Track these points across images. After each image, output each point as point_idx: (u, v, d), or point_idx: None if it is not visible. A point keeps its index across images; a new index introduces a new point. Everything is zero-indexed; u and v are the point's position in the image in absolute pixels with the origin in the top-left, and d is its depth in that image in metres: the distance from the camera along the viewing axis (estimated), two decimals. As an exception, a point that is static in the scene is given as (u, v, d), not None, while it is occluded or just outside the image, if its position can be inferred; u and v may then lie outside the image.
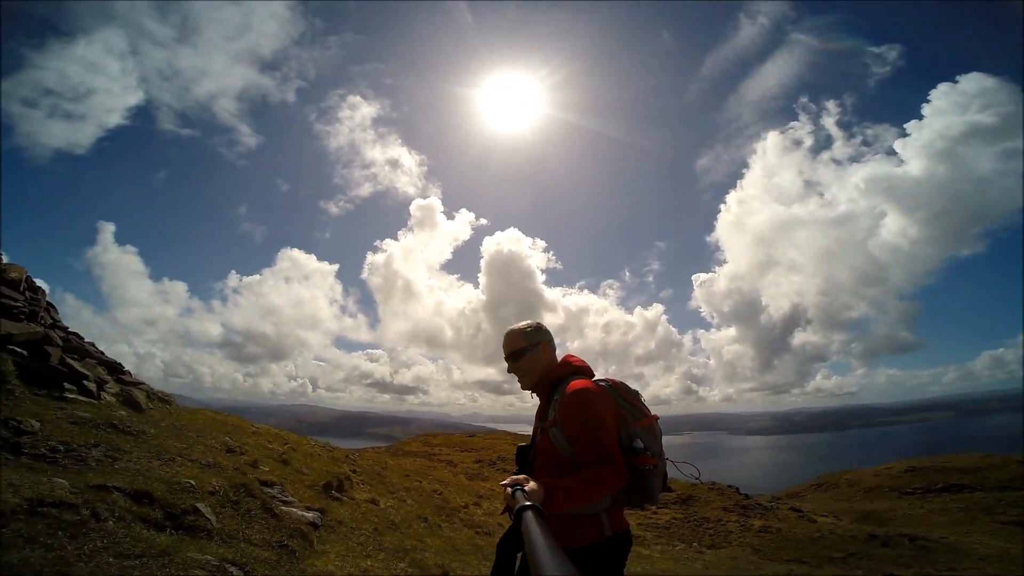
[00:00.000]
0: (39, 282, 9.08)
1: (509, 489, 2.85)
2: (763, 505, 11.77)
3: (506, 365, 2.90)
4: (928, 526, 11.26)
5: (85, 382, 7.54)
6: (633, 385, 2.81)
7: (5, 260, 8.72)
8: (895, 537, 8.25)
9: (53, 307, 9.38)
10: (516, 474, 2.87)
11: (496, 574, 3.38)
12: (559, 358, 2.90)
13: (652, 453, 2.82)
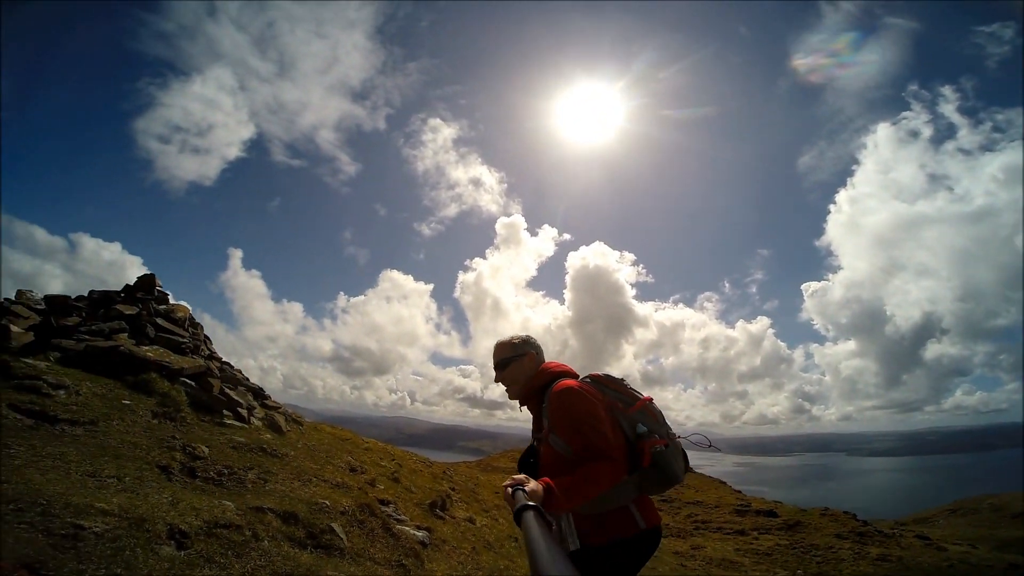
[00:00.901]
0: (186, 304, 10.73)
1: (509, 489, 2.88)
2: (883, 532, 10.65)
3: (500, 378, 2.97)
4: None
5: (239, 409, 8.61)
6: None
7: (172, 300, 10.29)
8: None
9: (208, 339, 10.75)
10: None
11: None
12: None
13: (659, 434, 2.82)
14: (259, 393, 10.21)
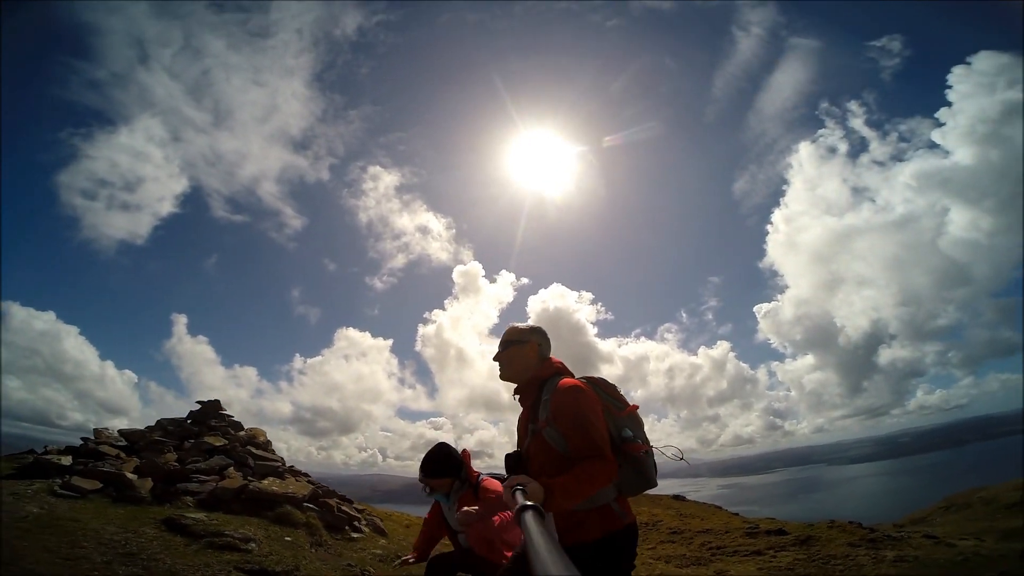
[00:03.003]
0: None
1: (509, 490, 2.93)
2: (892, 536, 10.91)
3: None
4: None
5: (355, 523, 8.78)
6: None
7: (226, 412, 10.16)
8: None
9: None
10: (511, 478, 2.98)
11: None
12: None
13: (641, 440, 2.99)
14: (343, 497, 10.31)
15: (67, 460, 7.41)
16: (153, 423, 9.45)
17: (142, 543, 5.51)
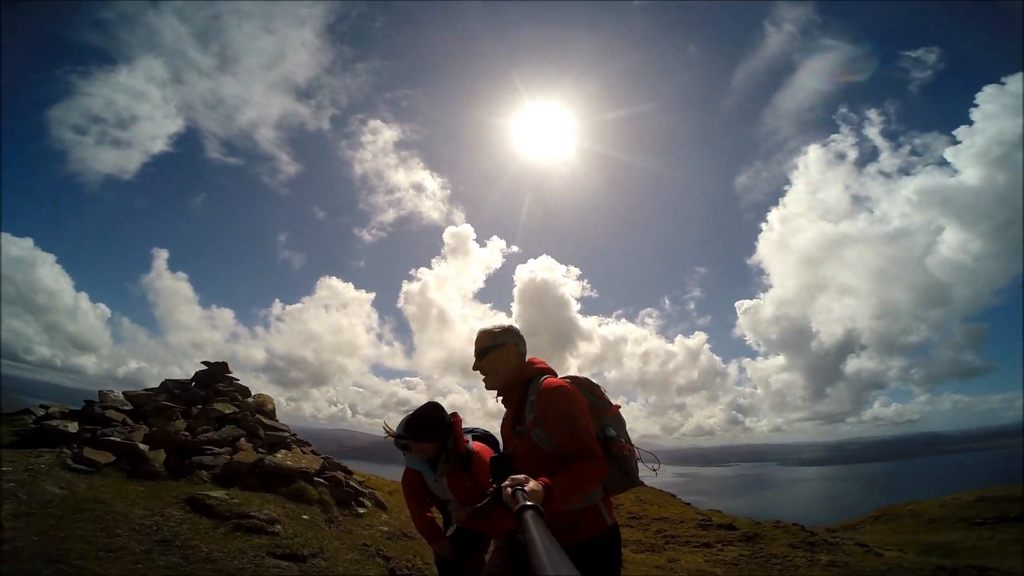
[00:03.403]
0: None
1: (509, 490, 2.92)
2: (828, 541, 12.01)
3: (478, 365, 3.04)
4: (1000, 557, 11.14)
5: (361, 498, 8.61)
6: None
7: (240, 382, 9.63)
8: (963, 569, 8.45)
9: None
10: (496, 483, 2.95)
11: None
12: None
13: (624, 439, 2.98)
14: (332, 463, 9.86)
15: (73, 426, 7.07)
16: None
17: (173, 527, 5.45)
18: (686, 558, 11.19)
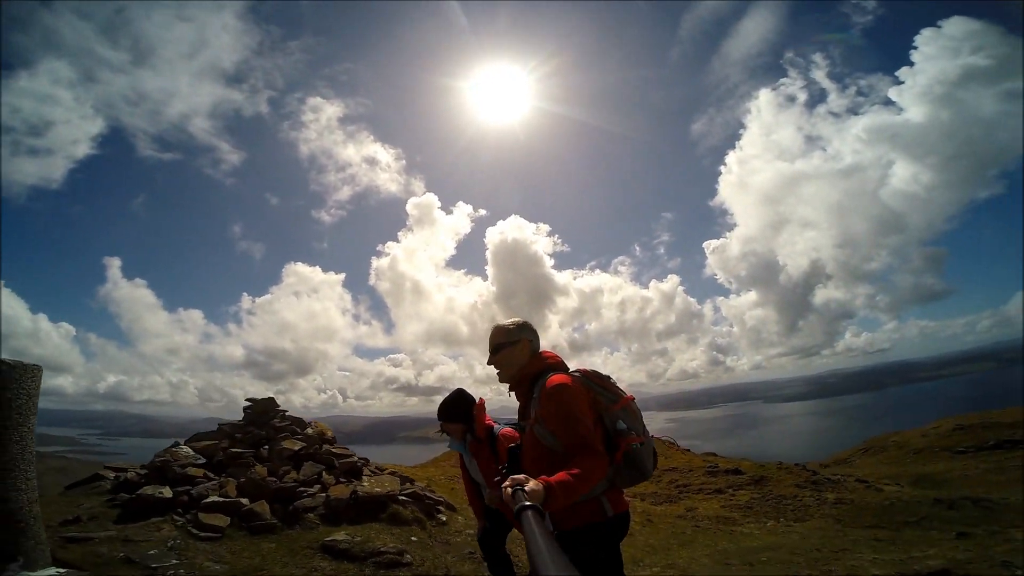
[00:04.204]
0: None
1: (509, 490, 2.94)
2: (831, 479, 12.88)
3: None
4: (987, 486, 11.96)
5: (439, 507, 8.59)
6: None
7: (287, 412, 9.47)
8: (959, 500, 9.29)
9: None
10: (512, 473, 2.98)
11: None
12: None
13: (636, 432, 2.97)
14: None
15: (167, 491, 6.84)
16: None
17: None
18: (703, 505, 11.99)
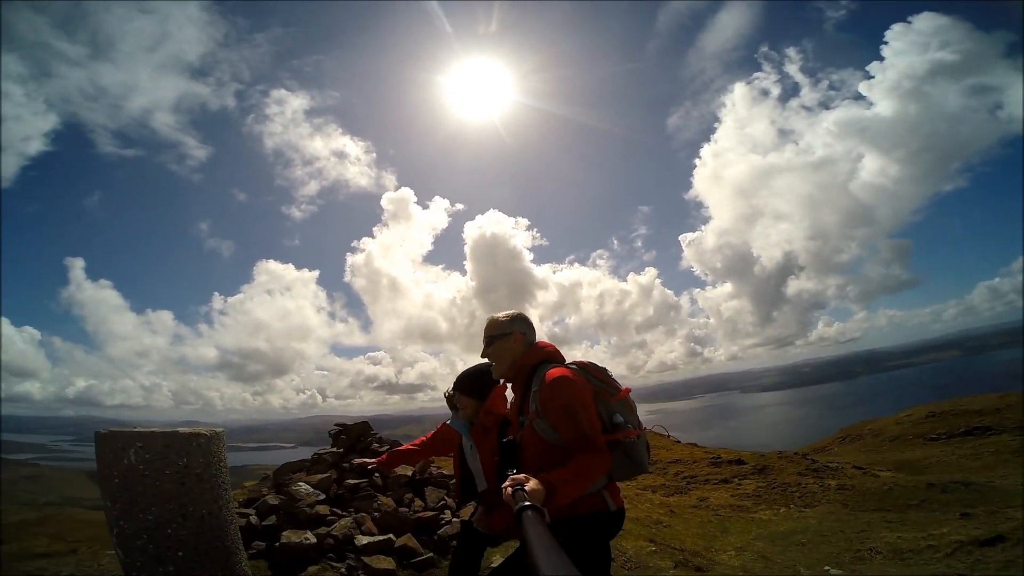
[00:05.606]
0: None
1: (509, 490, 2.88)
2: (830, 466, 13.78)
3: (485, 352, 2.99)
4: (965, 471, 12.53)
5: None
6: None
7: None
8: (951, 484, 10.09)
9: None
10: (505, 468, 2.91)
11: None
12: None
13: (632, 425, 2.92)
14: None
15: (311, 536, 6.12)
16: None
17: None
18: (713, 495, 12.71)
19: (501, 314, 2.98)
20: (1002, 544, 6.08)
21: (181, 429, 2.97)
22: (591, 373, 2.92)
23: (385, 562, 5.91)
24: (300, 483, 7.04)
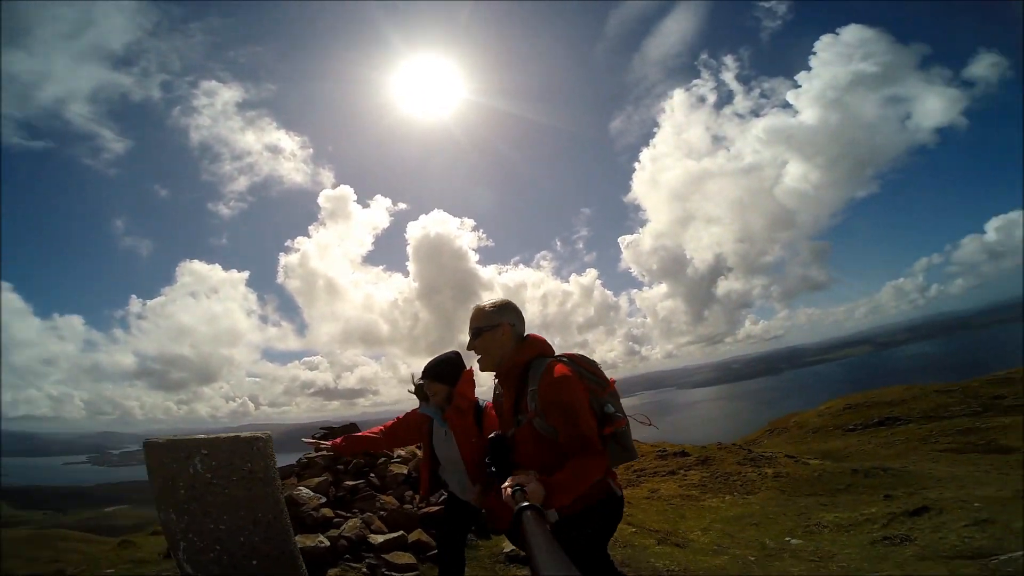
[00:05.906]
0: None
1: (509, 490, 2.85)
2: (765, 456, 14.74)
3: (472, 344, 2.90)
4: (881, 459, 13.54)
5: None
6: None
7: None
8: (872, 470, 11.19)
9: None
10: (496, 464, 2.86)
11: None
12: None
13: (621, 414, 2.91)
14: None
15: (325, 540, 6.12)
16: None
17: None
18: (663, 487, 13.34)
19: (488, 303, 2.88)
20: (928, 513, 7.08)
21: (243, 434, 2.91)
22: (582, 366, 2.85)
23: (406, 557, 5.98)
24: (300, 487, 6.89)
